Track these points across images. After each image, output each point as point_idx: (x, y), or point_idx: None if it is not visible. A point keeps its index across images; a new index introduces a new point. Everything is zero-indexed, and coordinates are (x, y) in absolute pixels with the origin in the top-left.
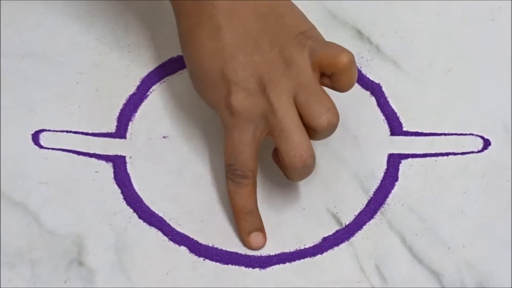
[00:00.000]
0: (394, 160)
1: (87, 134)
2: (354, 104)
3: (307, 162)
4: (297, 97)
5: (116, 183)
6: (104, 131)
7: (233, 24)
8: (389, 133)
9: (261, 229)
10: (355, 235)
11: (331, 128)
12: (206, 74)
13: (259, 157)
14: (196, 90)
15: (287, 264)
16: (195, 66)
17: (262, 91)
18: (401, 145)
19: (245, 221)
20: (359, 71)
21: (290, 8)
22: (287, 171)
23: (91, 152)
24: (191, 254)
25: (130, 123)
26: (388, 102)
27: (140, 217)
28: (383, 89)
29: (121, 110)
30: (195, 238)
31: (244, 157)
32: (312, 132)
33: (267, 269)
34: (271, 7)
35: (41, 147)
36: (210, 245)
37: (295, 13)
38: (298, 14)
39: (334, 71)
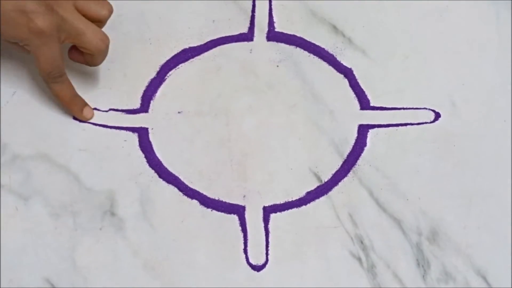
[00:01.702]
0: (363, 130)
1: (117, 110)
2: (331, 84)
3: (107, 42)
4: (77, 5)
5: (141, 150)
6: (131, 107)
7: None
8: (359, 108)
9: (86, 104)
10: (332, 190)
11: (110, 15)
12: (3, 16)
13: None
14: (5, 36)
15: (278, 213)
16: None
17: (51, 10)
18: (368, 117)
19: (75, 104)
20: (335, 58)
21: None
22: (94, 58)
23: (120, 125)
24: (201, 206)
25: (152, 101)
26: (358, 83)
27: (160, 177)
28: (354, 72)
29: (144, 90)
30: (204, 193)
31: (58, 62)
32: (99, 24)
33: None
34: None
35: (80, 121)
36: (217, 198)
37: None
38: None
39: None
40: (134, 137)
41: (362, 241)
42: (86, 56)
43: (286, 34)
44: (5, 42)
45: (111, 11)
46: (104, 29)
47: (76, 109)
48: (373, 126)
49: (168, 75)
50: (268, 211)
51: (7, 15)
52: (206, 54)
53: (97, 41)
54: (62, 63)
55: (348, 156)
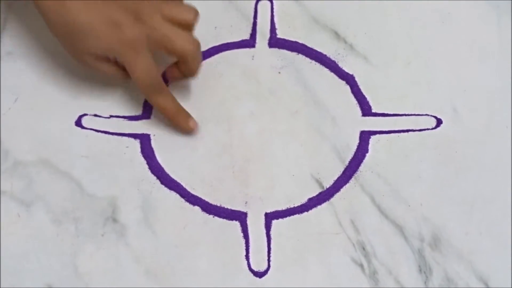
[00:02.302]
0: (365, 136)
1: (119, 116)
2: (332, 91)
3: (197, 44)
4: (163, 13)
5: (143, 156)
6: (133, 114)
7: None
8: (361, 114)
9: (189, 115)
10: (334, 196)
11: (196, 19)
12: (93, 29)
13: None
14: (85, 45)
15: (280, 219)
16: (79, 25)
17: (140, 20)
18: (370, 123)
19: (180, 115)
20: (337, 64)
21: None
22: (188, 64)
23: (122, 131)
24: (203, 212)
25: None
26: (360, 89)
27: (162, 183)
28: (356, 79)
29: None
30: (206, 199)
31: (156, 73)
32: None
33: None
34: None
35: (82, 127)
36: (218, 205)
37: None
38: None
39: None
40: (136, 144)
41: (364, 248)
42: (180, 66)
43: (288, 40)
44: (94, 64)
45: (197, 14)
46: None
47: (182, 121)
48: (375, 133)
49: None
50: (270, 217)
51: (97, 28)
52: (208, 60)
53: (187, 45)
54: (159, 74)
55: (350, 162)
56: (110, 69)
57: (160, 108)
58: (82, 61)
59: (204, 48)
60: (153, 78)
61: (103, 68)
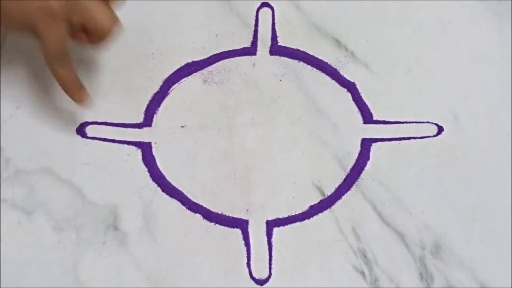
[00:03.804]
0: (366, 143)
1: (120, 125)
2: (334, 98)
3: (117, 21)
4: None
5: (144, 164)
6: (134, 122)
7: None
8: (362, 122)
9: (84, 87)
10: (336, 203)
11: None
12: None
13: (261, 142)
14: (9, 19)
15: (281, 227)
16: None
17: None
18: (372, 131)
19: (76, 87)
20: (338, 72)
21: None
22: (100, 40)
23: (124, 139)
24: (204, 220)
25: (155, 115)
26: (361, 97)
27: (163, 191)
28: (357, 86)
29: (148, 105)
30: (207, 207)
31: (66, 44)
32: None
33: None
34: None
35: (84, 135)
36: (220, 212)
37: None
38: None
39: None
40: (137, 151)
41: (365, 255)
42: (92, 37)
43: (289, 48)
44: (9, 25)
45: None
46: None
47: (76, 93)
48: (376, 140)
49: (171, 89)
50: (271, 225)
51: None
52: (209, 68)
53: (107, 21)
54: (69, 45)
55: (351, 170)
56: (24, 33)
57: (59, 78)
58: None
59: (205, 55)
60: (62, 49)
61: (18, 31)
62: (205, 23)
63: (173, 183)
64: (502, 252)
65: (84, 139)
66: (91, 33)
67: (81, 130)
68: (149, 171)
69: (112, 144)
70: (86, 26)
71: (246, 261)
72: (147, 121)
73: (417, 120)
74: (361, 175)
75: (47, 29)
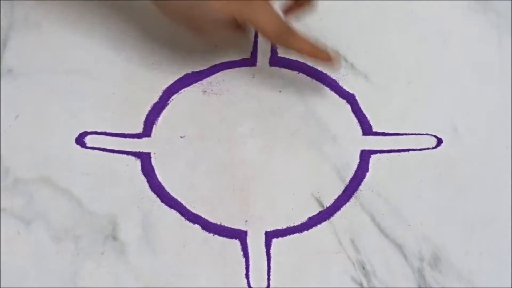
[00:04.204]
0: (366, 155)
1: (119, 135)
2: (333, 110)
3: None
4: None
5: (143, 174)
6: (133, 132)
7: None
8: (361, 133)
9: (326, 46)
10: (334, 215)
11: None
12: None
13: (260, 153)
14: (204, 16)
15: (280, 238)
16: None
17: None
18: (371, 143)
19: (318, 51)
20: (337, 83)
21: None
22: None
23: (123, 149)
24: (203, 230)
25: (154, 125)
26: (360, 108)
27: (162, 201)
28: (357, 98)
29: (147, 115)
30: (206, 218)
31: (281, 19)
32: None
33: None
34: None
35: (83, 145)
36: (218, 223)
37: None
38: None
39: None
40: (136, 162)
41: (364, 267)
42: (302, 2)
43: (289, 59)
44: (216, 31)
45: None
46: (105, 50)
47: (321, 56)
48: (375, 152)
49: (170, 99)
50: (270, 236)
51: None
52: (208, 79)
53: None
54: (284, 19)
55: (350, 181)
56: (230, 31)
57: (297, 50)
58: (204, 32)
59: (204, 66)
60: (281, 26)
61: (223, 32)
62: None
63: (172, 193)
64: (501, 264)
65: (84, 149)
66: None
67: (80, 140)
68: (148, 181)
69: (111, 154)
70: None
71: (244, 272)
72: (147, 131)
73: (416, 132)
74: (360, 186)
75: (255, 16)
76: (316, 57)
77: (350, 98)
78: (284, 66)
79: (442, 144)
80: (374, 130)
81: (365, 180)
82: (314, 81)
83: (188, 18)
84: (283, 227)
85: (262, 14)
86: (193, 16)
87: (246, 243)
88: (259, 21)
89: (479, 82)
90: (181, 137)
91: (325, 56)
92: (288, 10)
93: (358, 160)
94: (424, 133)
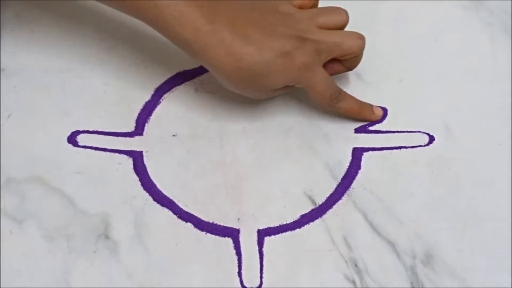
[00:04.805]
0: (358, 153)
1: (111, 134)
2: (325, 107)
3: (363, 37)
4: (318, 24)
5: (135, 173)
6: (125, 130)
7: (247, 26)
8: (353, 131)
9: (371, 105)
10: (327, 213)
11: (348, 16)
12: (269, 67)
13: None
14: (266, 85)
15: (272, 236)
16: (256, 68)
17: (301, 39)
18: (363, 140)
19: (365, 108)
20: None
21: None
22: (355, 59)
23: (115, 148)
24: (195, 229)
25: (146, 124)
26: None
27: (154, 200)
28: None
29: (139, 113)
30: (199, 216)
31: (332, 83)
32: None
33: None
34: (247, 1)
35: (75, 144)
36: (211, 221)
37: None
38: None
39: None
40: (128, 160)
41: (356, 264)
42: (346, 62)
43: None
44: (272, 94)
45: (347, 14)
46: (97, 49)
47: (367, 113)
48: (368, 149)
49: (162, 98)
50: (263, 234)
51: (274, 65)
52: (200, 77)
53: (357, 41)
54: (335, 82)
55: (343, 179)
56: (284, 91)
57: (345, 112)
58: (260, 96)
59: (196, 65)
60: (332, 89)
61: (278, 93)
62: None
63: (165, 192)
64: (494, 261)
65: (76, 148)
66: (347, 61)
67: (72, 139)
68: (140, 180)
69: (103, 153)
70: (339, 58)
71: (237, 270)
72: (139, 130)
73: (409, 130)
74: (352, 184)
75: (310, 81)
76: (363, 116)
77: None
78: None
79: (434, 142)
80: (366, 128)
81: (357, 177)
82: None
83: (248, 87)
84: (276, 225)
85: (318, 80)
86: (254, 86)
87: (238, 241)
88: (316, 87)
89: (471, 79)
90: (173, 135)
91: (370, 113)
92: (331, 69)
93: (350, 158)
94: (416, 130)
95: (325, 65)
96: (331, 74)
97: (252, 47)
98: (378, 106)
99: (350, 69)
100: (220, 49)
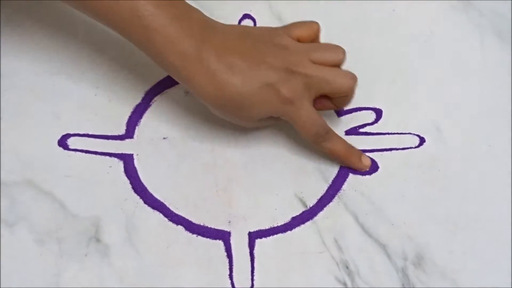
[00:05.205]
0: None
1: (102, 137)
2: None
3: (355, 78)
4: (312, 58)
5: (126, 176)
6: (116, 133)
7: (235, 55)
8: (344, 133)
9: (361, 152)
10: (318, 215)
11: (345, 56)
12: (252, 98)
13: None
14: (248, 116)
15: (263, 238)
16: (239, 98)
17: (292, 72)
18: (354, 142)
19: (352, 154)
20: None
21: (249, 27)
22: (344, 98)
23: (106, 151)
24: (186, 232)
25: (137, 127)
26: (343, 108)
27: (145, 203)
28: None
29: (129, 116)
30: (189, 219)
31: (318, 120)
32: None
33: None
34: (241, 30)
35: (65, 147)
36: (202, 224)
37: (254, 28)
38: (257, 28)
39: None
40: (119, 163)
41: (347, 266)
42: (335, 100)
43: None
44: (256, 125)
45: (345, 53)
46: (87, 52)
47: (354, 160)
48: None
49: (153, 100)
50: (254, 236)
51: (255, 95)
52: None
53: (346, 81)
54: (322, 119)
55: (333, 181)
56: (271, 123)
57: (330, 153)
58: (247, 124)
59: None
60: (318, 126)
61: (265, 124)
62: None
63: (155, 195)
64: (485, 263)
65: (66, 151)
66: (336, 99)
67: (63, 142)
68: (131, 183)
69: (94, 156)
70: (329, 95)
71: (228, 272)
72: (129, 133)
73: (399, 132)
74: (343, 186)
75: (295, 115)
76: (349, 162)
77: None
78: None
79: (424, 143)
80: (356, 130)
81: (348, 180)
82: None
83: (232, 116)
84: (267, 228)
85: (303, 115)
86: (237, 116)
87: (229, 243)
88: (301, 122)
89: (462, 81)
90: (164, 138)
91: (357, 161)
92: (319, 104)
93: None
94: (407, 132)
95: (314, 100)
96: (319, 109)
97: (235, 77)
98: (368, 156)
99: (339, 107)
100: (204, 77)
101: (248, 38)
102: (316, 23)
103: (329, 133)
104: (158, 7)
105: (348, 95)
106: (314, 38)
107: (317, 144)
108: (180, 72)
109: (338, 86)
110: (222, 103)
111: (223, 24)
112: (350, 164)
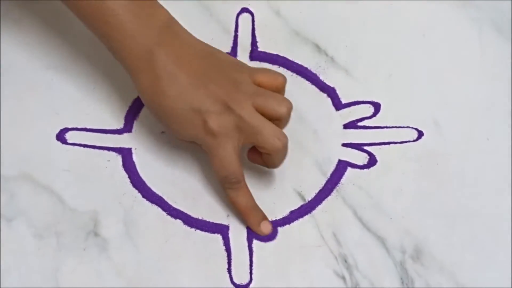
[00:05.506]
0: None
1: (100, 131)
2: (314, 104)
3: (285, 141)
4: (255, 103)
5: (124, 170)
6: (114, 128)
7: (184, 69)
8: (342, 127)
9: (265, 217)
10: (316, 209)
11: (289, 113)
12: (179, 115)
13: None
14: (172, 130)
15: None
16: (166, 111)
17: (228, 109)
18: (352, 136)
19: (253, 216)
20: (318, 77)
21: (217, 51)
22: (271, 158)
23: (104, 145)
24: (185, 226)
25: (135, 121)
26: (341, 102)
27: (143, 197)
28: (337, 91)
29: (128, 111)
30: (188, 213)
31: (233, 167)
32: (278, 122)
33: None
34: (205, 49)
35: (64, 142)
36: (200, 218)
37: (223, 53)
38: (225, 55)
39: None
40: (117, 157)
41: (346, 260)
42: (264, 156)
43: (269, 53)
44: (182, 140)
45: (290, 108)
46: (85, 46)
47: (252, 221)
48: (357, 145)
49: None
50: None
51: (183, 114)
52: None
53: (274, 140)
54: (239, 167)
55: (332, 175)
56: (195, 147)
57: (231, 202)
58: (178, 136)
59: None
60: (230, 172)
61: (195, 144)
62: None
63: (154, 189)
64: (483, 256)
65: (64, 146)
66: (265, 156)
67: (61, 136)
68: (129, 177)
69: (92, 150)
70: (258, 148)
71: (227, 266)
72: (128, 127)
73: (397, 125)
74: (342, 180)
75: (213, 150)
76: (247, 221)
77: (330, 92)
78: (264, 60)
79: (423, 137)
80: (355, 123)
81: (346, 173)
82: (295, 75)
83: (162, 124)
84: None
85: (220, 154)
86: (164, 125)
87: (228, 237)
88: (215, 159)
89: (460, 75)
90: (162, 132)
91: (256, 224)
92: (251, 156)
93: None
94: (405, 126)
95: (250, 150)
96: (251, 161)
97: (173, 90)
98: (270, 223)
99: (268, 166)
100: (147, 78)
101: (207, 59)
102: (283, 76)
103: (239, 184)
104: (122, 6)
105: (271, 155)
106: (275, 90)
107: (223, 188)
108: (129, 68)
109: (263, 140)
110: (155, 108)
111: (191, 36)
112: (248, 224)
